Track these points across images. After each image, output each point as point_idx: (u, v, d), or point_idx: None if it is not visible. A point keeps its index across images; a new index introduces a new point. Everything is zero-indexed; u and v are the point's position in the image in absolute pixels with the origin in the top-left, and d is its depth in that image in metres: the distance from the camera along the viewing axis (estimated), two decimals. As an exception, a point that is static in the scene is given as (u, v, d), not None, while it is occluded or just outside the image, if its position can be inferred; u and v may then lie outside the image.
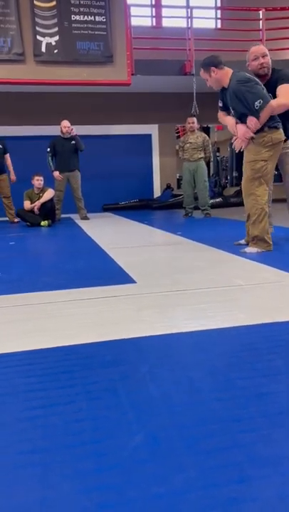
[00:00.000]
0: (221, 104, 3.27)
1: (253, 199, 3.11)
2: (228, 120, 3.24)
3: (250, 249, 3.10)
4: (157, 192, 9.50)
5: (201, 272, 2.62)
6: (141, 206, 8.83)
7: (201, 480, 0.79)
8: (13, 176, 6.77)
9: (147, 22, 9.59)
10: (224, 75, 3.11)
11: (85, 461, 0.86)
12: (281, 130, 3.07)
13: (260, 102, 2.92)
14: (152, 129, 9.43)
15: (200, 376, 1.21)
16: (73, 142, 6.73)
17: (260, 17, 8.24)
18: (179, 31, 8.24)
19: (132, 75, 7.54)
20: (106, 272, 2.70)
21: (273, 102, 2.99)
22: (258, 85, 3.01)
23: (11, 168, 6.78)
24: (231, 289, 2.13)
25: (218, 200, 8.84)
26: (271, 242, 3.12)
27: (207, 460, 0.85)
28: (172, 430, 0.95)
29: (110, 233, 4.93)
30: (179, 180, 10.03)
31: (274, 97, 3.12)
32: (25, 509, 0.74)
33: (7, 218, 7.01)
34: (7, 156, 6.78)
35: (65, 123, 6.71)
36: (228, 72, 3.12)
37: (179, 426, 0.97)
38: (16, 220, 6.78)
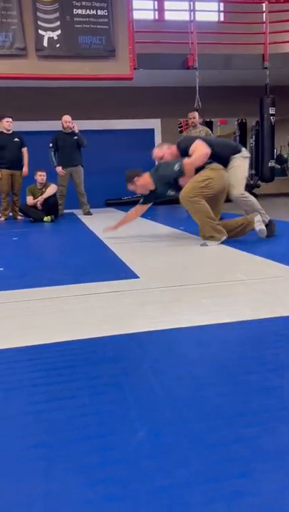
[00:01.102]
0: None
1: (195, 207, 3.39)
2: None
3: (210, 243, 3.29)
4: (160, 187, 9.47)
5: (204, 266, 2.62)
6: (144, 201, 8.80)
7: (204, 474, 0.80)
8: (25, 170, 6.75)
9: (150, 15, 9.54)
10: (145, 179, 3.69)
11: (89, 455, 0.87)
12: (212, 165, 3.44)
13: (179, 165, 3.47)
14: (155, 124, 9.40)
15: (203, 371, 1.21)
16: (75, 137, 6.72)
17: (264, 9, 8.17)
18: (182, 24, 8.19)
19: (135, 69, 7.50)
20: (109, 267, 2.70)
21: (185, 160, 3.48)
22: (164, 164, 3.67)
23: (26, 161, 6.76)
24: (235, 284, 2.13)
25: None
26: (221, 231, 3.32)
27: (210, 454, 0.85)
28: (175, 425, 0.96)
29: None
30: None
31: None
32: (30, 502, 0.75)
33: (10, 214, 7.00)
34: (24, 149, 6.76)
35: (66, 118, 6.70)
36: (146, 175, 3.70)
37: (182, 420, 0.97)
38: (19, 217, 6.79)
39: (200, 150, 3.42)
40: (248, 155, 3.79)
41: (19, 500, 0.76)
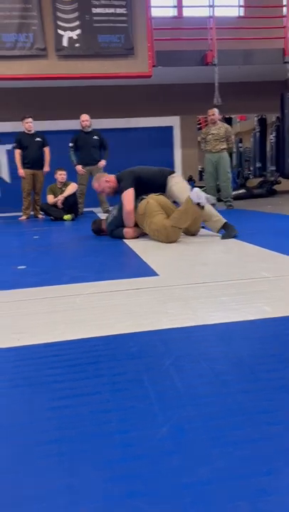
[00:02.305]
0: None
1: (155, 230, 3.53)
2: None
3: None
4: (179, 184, 9.43)
5: (224, 264, 2.61)
6: (163, 199, 8.79)
7: (227, 471, 0.80)
8: (46, 168, 6.82)
9: (168, 12, 9.50)
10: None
11: (111, 450, 0.88)
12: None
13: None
14: (174, 121, 9.36)
15: (225, 368, 1.21)
16: (95, 137, 6.76)
17: (284, 3, 8.04)
18: (201, 21, 8.13)
19: (153, 66, 7.49)
20: (128, 265, 2.71)
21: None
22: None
23: (47, 160, 6.84)
24: (256, 281, 2.11)
25: (241, 191, 8.72)
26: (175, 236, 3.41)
27: (234, 451, 0.85)
28: (198, 422, 0.96)
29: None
30: (201, 172, 9.95)
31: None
32: (53, 496, 0.76)
33: (21, 213, 7.05)
34: (46, 149, 6.84)
35: (84, 117, 6.74)
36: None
37: (205, 417, 0.97)
38: (40, 216, 6.87)
39: (125, 205, 3.75)
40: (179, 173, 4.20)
41: (42, 494, 0.77)
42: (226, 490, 0.75)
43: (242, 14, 9.67)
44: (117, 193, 3.99)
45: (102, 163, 6.80)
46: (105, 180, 3.99)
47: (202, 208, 3.29)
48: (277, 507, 0.71)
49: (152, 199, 3.61)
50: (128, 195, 3.76)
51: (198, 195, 3.23)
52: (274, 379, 1.13)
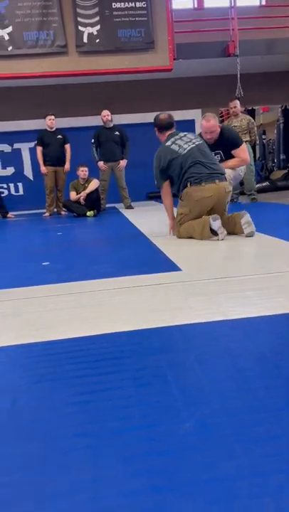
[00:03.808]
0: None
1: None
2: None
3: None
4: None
5: (248, 258, 2.58)
6: (185, 193, 8.74)
7: (251, 468, 0.79)
8: (67, 166, 6.89)
9: (189, 4, 9.39)
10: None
11: (135, 445, 0.88)
12: (202, 186, 3.23)
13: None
14: (195, 115, 9.26)
15: (248, 364, 1.20)
16: (117, 133, 6.77)
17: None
18: (222, 11, 8.00)
19: (174, 59, 7.42)
20: (152, 260, 2.71)
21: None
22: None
23: (68, 158, 6.90)
24: (280, 276, 2.08)
25: (264, 184, 8.58)
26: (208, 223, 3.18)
27: (257, 448, 0.84)
28: (221, 417, 0.95)
29: (155, 222, 4.93)
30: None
31: (225, 153, 4.00)
32: (77, 490, 0.77)
33: (44, 210, 7.11)
34: (67, 146, 6.91)
35: (105, 112, 6.76)
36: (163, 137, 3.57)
37: (228, 413, 0.96)
38: (63, 212, 6.94)
39: (246, 158, 3.79)
40: None
41: (66, 488, 0.78)
42: (249, 486, 0.75)
43: (263, 3, 9.47)
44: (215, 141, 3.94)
45: (123, 163, 6.79)
46: (217, 125, 3.94)
47: (216, 234, 3.14)
48: (302, 504, 0.70)
49: (191, 211, 3.33)
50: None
51: (219, 224, 3.11)
52: (299, 375, 1.11)
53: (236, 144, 4.03)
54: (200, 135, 3.93)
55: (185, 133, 3.48)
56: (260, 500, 0.72)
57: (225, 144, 3.98)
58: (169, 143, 3.41)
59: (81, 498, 0.76)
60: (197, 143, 3.38)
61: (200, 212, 3.28)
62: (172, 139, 3.42)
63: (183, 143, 3.36)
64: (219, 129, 3.96)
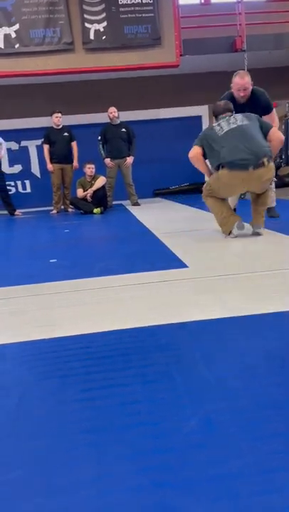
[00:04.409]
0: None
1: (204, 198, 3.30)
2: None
3: (226, 236, 3.14)
4: (209, 175, 9.32)
5: (254, 255, 2.57)
6: (192, 190, 8.70)
7: (257, 465, 0.79)
8: (75, 163, 6.90)
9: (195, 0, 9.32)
10: None
11: (140, 441, 0.89)
12: (234, 172, 2.97)
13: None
14: (202, 111, 9.22)
15: (256, 360, 1.20)
16: (124, 130, 6.76)
17: (316, -17, 7.74)
18: (229, 6, 7.93)
19: (181, 55, 7.39)
20: (158, 257, 2.71)
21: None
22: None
23: (75, 155, 6.91)
24: (287, 272, 2.06)
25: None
26: (233, 217, 3.11)
27: (263, 446, 0.84)
28: (228, 414, 0.95)
29: (161, 218, 4.93)
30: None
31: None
32: (83, 485, 0.78)
33: (52, 207, 7.13)
34: (74, 143, 6.92)
35: (111, 109, 6.76)
36: None
37: (235, 410, 0.96)
38: (70, 210, 6.95)
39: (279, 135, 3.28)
40: None
41: (73, 483, 0.79)
42: (255, 484, 0.75)
43: (271, -3, 9.37)
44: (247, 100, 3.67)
45: (130, 160, 6.79)
46: (251, 83, 3.71)
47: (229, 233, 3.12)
48: (309, 502, 0.70)
49: (218, 189, 3.16)
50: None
51: (238, 232, 3.06)
52: (306, 372, 1.11)
53: (268, 107, 3.74)
54: (231, 94, 3.71)
55: (239, 115, 3.20)
56: (265, 498, 0.71)
57: (256, 105, 3.65)
58: (214, 124, 3.26)
59: (86, 493, 0.76)
60: (240, 123, 3.08)
61: (231, 192, 3.25)
62: (219, 121, 3.21)
63: (226, 124, 3.11)
64: (251, 88, 3.70)
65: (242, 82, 3.66)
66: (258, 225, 3.11)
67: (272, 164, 3.04)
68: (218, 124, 3.17)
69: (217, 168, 3.10)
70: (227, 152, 2.98)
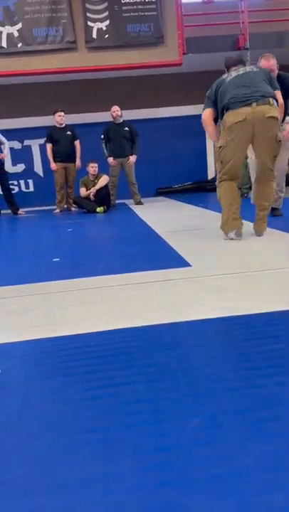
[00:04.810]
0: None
1: (217, 184, 3.10)
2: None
3: (224, 236, 3.04)
4: (212, 173, 9.31)
5: (258, 254, 2.56)
6: (195, 189, 8.71)
7: (263, 463, 0.79)
8: (78, 163, 6.91)
9: (198, -2, 9.30)
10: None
11: (144, 440, 0.89)
12: (237, 110, 2.86)
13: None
14: (205, 109, 9.20)
15: (260, 359, 1.19)
16: (126, 128, 6.76)
17: None
18: (232, 4, 7.91)
19: (184, 54, 7.37)
20: (161, 256, 2.71)
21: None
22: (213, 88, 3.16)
23: (78, 154, 6.92)
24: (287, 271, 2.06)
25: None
26: (236, 222, 2.97)
27: (268, 444, 0.84)
28: (231, 413, 0.95)
29: (164, 217, 4.93)
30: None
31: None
32: (88, 484, 0.78)
33: (55, 206, 7.13)
34: (77, 142, 6.93)
35: (114, 108, 6.76)
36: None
37: (239, 409, 0.96)
38: (73, 208, 6.96)
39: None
40: None
41: (77, 482, 0.79)
42: (259, 482, 0.74)
43: (275, -5, 9.33)
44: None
45: (133, 159, 6.78)
46: (276, 65, 3.67)
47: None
48: (312, 501, 0.70)
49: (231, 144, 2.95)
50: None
51: (234, 237, 2.97)
52: (309, 371, 1.11)
53: None
54: None
55: (251, 66, 3.16)
56: (267, 497, 0.71)
57: (281, 88, 3.34)
58: (224, 75, 3.16)
59: (91, 492, 0.76)
60: (249, 70, 3.04)
61: (239, 147, 2.94)
62: (230, 72, 3.13)
63: (235, 73, 3.04)
64: (277, 72, 3.66)
65: (268, 64, 3.59)
66: (260, 232, 3.06)
67: (276, 107, 2.92)
68: (229, 74, 3.09)
69: (222, 116, 3.01)
70: (232, 93, 2.91)
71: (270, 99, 2.85)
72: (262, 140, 2.91)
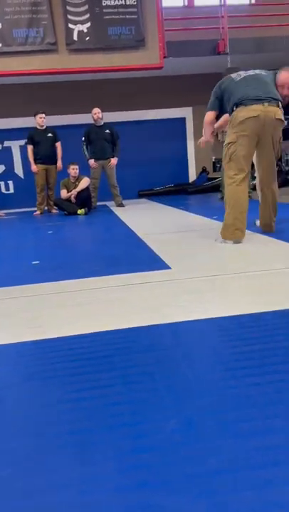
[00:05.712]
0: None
1: (226, 184, 3.08)
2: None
3: (220, 239, 3.03)
4: (193, 176, 9.39)
5: (238, 256, 2.60)
6: (176, 191, 8.77)
7: (235, 462, 0.81)
8: (59, 164, 6.87)
9: (179, 2, 9.38)
10: None
11: (123, 442, 0.90)
12: (250, 106, 2.90)
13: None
14: (186, 112, 9.28)
15: (236, 361, 1.22)
16: (108, 131, 6.77)
17: (298, -12, 7.86)
18: (212, 10, 8.01)
19: (164, 57, 7.42)
20: (141, 259, 2.72)
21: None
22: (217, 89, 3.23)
23: (59, 156, 6.89)
24: (270, 273, 2.10)
25: (253, 182, 8.62)
26: (240, 233, 2.96)
27: (242, 443, 0.86)
28: (208, 414, 0.97)
29: (145, 220, 4.95)
30: (214, 164, 9.86)
31: None
32: (65, 485, 0.79)
33: (35, 208, 7.08)
34: (58, 144, 6.89)
35: (95, 110, 6.76)
36: None
37: (215, 410, 0.98)
38: (54, 210, 6.92)
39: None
40: None
41: (54, 483, 0.80)
42: (234, 480, 0.76)
43: (253, 1, 9.49)
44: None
45: (114, 161, 6.79)
46: None
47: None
48: (284, 497, 0.72)
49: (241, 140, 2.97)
50: None
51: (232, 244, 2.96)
52: (286, 371, 1.13)
53: None
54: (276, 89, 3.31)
55: (259, 70, 3.21)
56: (245, 494, 0.73)
57: None
58: (233, 74, 3.21)
59: (69, 493, 0.77)
60: (258, 72, 3.13)
61: (248, 143, 2.94)
62: (238, 72, 3.20)
63: (243, 73, 3.13)
64: None
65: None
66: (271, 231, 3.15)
67: (282, 111, 3.02)
68: (238, 74, 3.16)
69: (231, 111, 3.03)
70: (243, 91, 2.98)
71: (279, 103, 2.98)
72: (268, 141, 3.00)
